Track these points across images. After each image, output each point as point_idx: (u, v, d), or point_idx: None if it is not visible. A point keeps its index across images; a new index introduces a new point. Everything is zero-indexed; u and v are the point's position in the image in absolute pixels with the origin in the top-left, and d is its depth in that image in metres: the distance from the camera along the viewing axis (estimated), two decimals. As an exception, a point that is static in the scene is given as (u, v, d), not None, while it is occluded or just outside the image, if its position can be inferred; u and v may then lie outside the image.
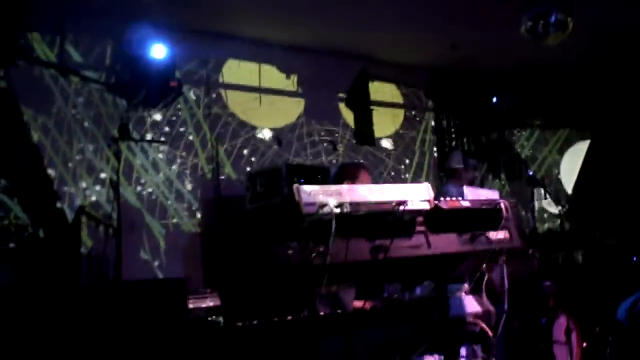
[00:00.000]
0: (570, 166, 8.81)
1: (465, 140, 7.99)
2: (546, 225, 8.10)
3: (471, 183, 5.16)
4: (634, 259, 6.84)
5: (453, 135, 7.93)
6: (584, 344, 4.98)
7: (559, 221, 7.89)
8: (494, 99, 7.81)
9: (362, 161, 6.62)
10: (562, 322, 4.91)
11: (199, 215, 5.88)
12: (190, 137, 5.99)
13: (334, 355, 2.74)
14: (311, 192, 2.47)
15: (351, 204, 2.53)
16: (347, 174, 3.84)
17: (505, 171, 8.28)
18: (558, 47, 5.99)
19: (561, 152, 8.88)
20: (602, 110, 8.80)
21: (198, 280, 5.22)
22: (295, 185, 2.44)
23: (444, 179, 5.24)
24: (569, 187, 8.74)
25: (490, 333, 3.37)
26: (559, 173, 8.76)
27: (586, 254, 6.82)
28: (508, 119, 8.26)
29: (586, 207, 8.33)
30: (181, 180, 5.88)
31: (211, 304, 3.33)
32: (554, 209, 7.99)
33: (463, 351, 3.31)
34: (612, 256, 6.84)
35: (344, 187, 2.59)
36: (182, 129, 5.96)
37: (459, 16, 6.20)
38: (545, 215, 8.18)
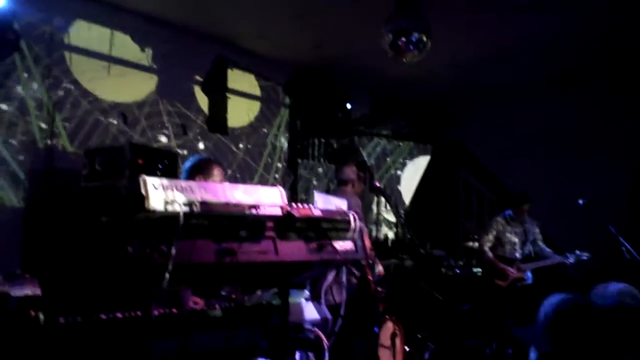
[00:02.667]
0: (410, 178, 9.29)
1: (316, 141, 8.06)
2: (383, 233, 8.45)
3: (362, 193, 5.21)
4: (457, 271, 7.38)
5: (306, 136, 7.97)
6: (407, 348, 5.23)
7: (395, 229, 8.30)
8: (349, 105, 7.99)
9: (212, 157, 6.38)
10: (388, 326, 5.10)
11: (25, 188, 5.28)
12: (24, 99, 5.36)
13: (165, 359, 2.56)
14: (159, 186, 2.26)
15: (202, 203, 2.36)
16: (200, 169, 3.64)
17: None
18: (412, 64, 6.26)
19: (404, 164, 9.34)
20: (444, 130, 9.40)
21: (15, 262, 4.67)
22: (142, 176, 2.21)
23: (333, 187, 5.22)
24: (407, 198, 9.21)
25: (324, 340, 3.37)
26: (399, 184, 9.20)
27: (415, 263, 7.19)
28: (360, 126, 8.52)
29: (420, 219, 8.84)
30: (8, 146, 5.24)
31: (29, 292, 2.94)
32: (392, 218, 8.37)
33: (297, 357, 3.28)
34: (437, 266, 7.31)
35: (195, 185, 2.41)
36: (15, 89, 5.31)
37: (326, 17, 6.24)
38: (384, 223, 8.54)
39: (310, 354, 3.36)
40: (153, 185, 2.24)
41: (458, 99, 8.84)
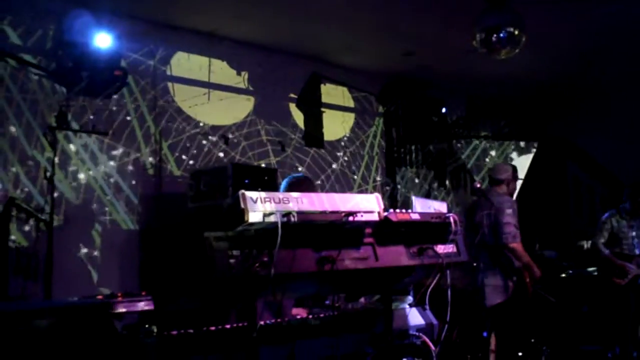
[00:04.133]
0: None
1: (413, 148, 8.01)
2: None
3: (512, 194, 5.17)
4: (570, 272, 7.02)
5: (402, 143, 7.95)
6: (519, 354, 5.05)
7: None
8: (444, 109, 7.88)
9: (306, 175, 6.51)
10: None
11: (138, 212, 5.65)
12: (133, 130, 5.75)
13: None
14: (257, 199, 2.35)
15: (299, 213, 2.42)
16: (293, 187, 3.73)
17: (451, 180, 8.36)
18: (508, 62, 6.09)
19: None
20: (547, 126, 9.03)
21: (133, 281, 5.00)
22: (241, 191, 2.31)
23: (487, 187, 5.23)
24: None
25: (432, 347, 3.33)
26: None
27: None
28: (456, 128, 8.37)
29: (527, 219, 8.49)
30: (121, 175, 5.63)
31: (145, 308, 3.15)
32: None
33: (405, 365, 3.26)
34: (549, 267, 6.98)
35: (292, 195, 2.48)
36: (124, 121, 5.70)
37: (414, 24, 6.21)
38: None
39: (418, 361, 3.33)
40: (251, 198, 2.33)
41: (559, 93, 8.47)
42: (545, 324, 5.99)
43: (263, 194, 2.37)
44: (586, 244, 7.45)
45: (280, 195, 2.42)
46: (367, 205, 2.68)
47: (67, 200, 5.28)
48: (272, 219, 2.34)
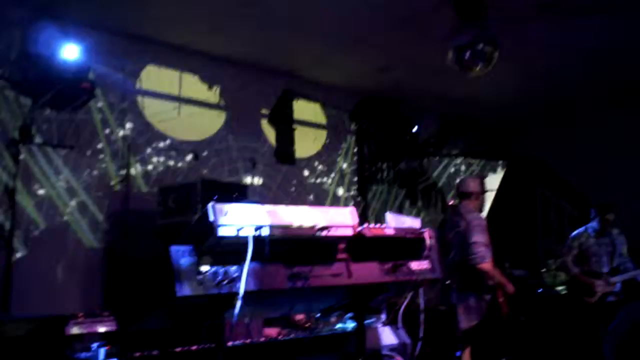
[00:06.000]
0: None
1: (385, 165, 7.99)
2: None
3: (481, 208, 5.06)
4: (539, 290, 7.05)
5: (374, 161, 7.93)
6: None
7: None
8: (415, 128, 7.89)
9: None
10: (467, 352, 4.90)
11: (103, 230, 5.47)
12: (100, 145, 5.60)
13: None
14: (228, 212, 2.26)
15: (271, 227, 2.35)
16: None
17: (422, 199, 8.36)
18: (480, 81, 6.13)
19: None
20: (517, 145, 9.12)
21: (96, 300, 4.82)
22: (210, 203, 2.22)
23: (456, 200, 5.11)
24: (482, 218, 8.93)
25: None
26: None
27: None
28: (427, 147, 8.39)
29: (496, 238, 8.51)
30: (86, 190, 5.46)
31: (107, 329, 3.01)
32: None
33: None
34: (519, 286, 6.99)
35: (264, 208, 2.40)
36: (91, 135, 5.55)
37: (388, 40, 6.21)
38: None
39: (392, 381, 3.25)
40: (222, 211, 2.24)
41: (529, 112, 8.57)
42: (515, 342, 5.97)
43: (234, 206, 2.29)
44: (555, 263, 7.49)
45: (252, 207, 2.34)
46: (342, 219, 2.62)
47: (28, 217, 5.08)
48: (243, 233, 2.26)
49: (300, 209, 2.53)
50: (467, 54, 5.28)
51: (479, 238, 4.64)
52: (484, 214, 5.20)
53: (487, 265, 4.61)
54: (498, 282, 4.71)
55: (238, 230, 2.25)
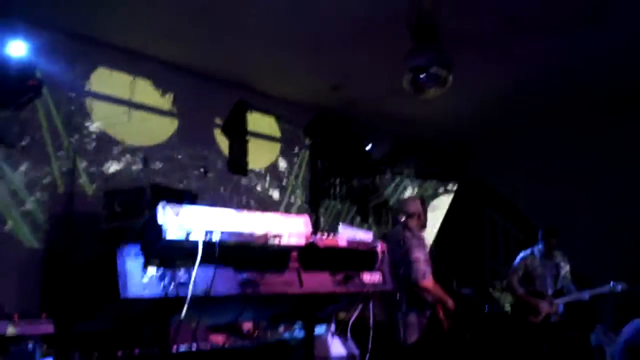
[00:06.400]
0: (433, 217, 9.12)
1: (337, 181, 8.00)
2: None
3: (423, 226, 5.05)
4: (486, 307, 7.15)
5: (327, 176, 7.93)
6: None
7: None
8: (368, 146, 7.93)
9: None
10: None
11: (44, 230, 5.24)
12: (45, 145, 5.38)
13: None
14: (178, 214, 2.19)
15: (222, 232, 2.28)
16: None
17: (373, 215, 8.39)
18: (432, 103, 6.22)
19: (427, 202, 9.19)
20: (466, 168, 9.29)
21: (34, 302, 4.59)
22: (161, 204, 2.14)
23: (400, 219, 5.09)
24: (430, 237, 9.03)
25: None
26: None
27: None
28: (380, 165, 8.45)
29: (445, 258, 8.63)
30: (29, 191, 5.24)
31: (43, 331, 2.86)
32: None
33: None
34: (466, 305, 7.07)
35: (216, 212, 2.33)
36: (36, 135, 5.34)
37: (343, 55, 6.25)
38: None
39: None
40: (172, 212, 2.17)
41: (478, 135, 8.75)
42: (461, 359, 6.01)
43: (185, 209, 2.21)
44: (501, 283, 7.63)
45: (203, 210, 2.27)
46: (295, 228, 2.57)
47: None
48: (193, 236, 2.19)
49: (253, 215, 2.47)
50: (422, 77, 5.34)
51: (420, 255, 4.69)
52: (426, 232, 5.23)
53: (427, 282, 4.65)
54: (438, 298, 4.73)
55: (188, 234, 2.18)
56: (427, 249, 4.86)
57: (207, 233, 2.23)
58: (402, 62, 5.43)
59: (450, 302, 4.75)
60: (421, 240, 4.86)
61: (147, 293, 2.08)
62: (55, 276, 4.84)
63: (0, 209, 5.05)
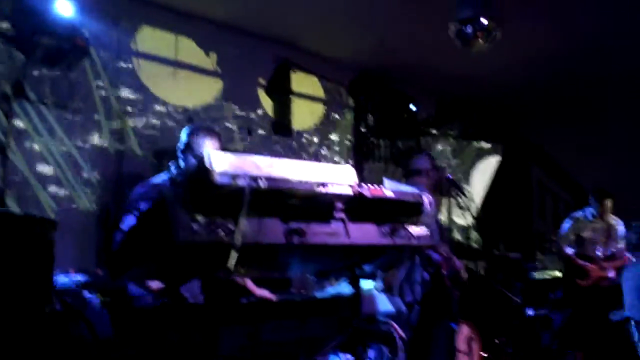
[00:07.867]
0: (480, 179, 8.97)
1: (381, 142, 7.91)
2: (454, 236, 8.16)
3: (436, 186, 4.86)
4: (533, 273, 7.02)
5: (371, 138, 7.84)
6: (484, 354, 4.96)
7: (467, 233, 8.00)
8: (414, 107, 7.79)
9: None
10: (464, 331, 4.85)
11: (96, 192, 5.36)
12: (94, 105, 5.46)
13: (234, 347, 2.46)
14: (225, 160, 2.17)
15: (268, 179, 2.25)
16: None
17: (418, 177, 8.27)
18: (480, 61, 6.03)
19: (473, 164, 9.03)
20: (514, 128, 9.05)
21: (90, 262, 4.73)
22: (207, 150, 2.12)
23: (403, 180, 4.93)
24: (477, 200, 8.89)
25: (400, 334, 3.19)
26: (468, 185, 8.89)
27: (489, 266, 6.89)
28: (425, 127, 8.30)
29: (492, 221, 8.50)
30: (80, 152, 5.34)
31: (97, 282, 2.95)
32: (462, 221, 8.05)
33: (371, 353, 3.11)
34: (513, 269, 6.96)
35: (262, 160, 2.30)
36: (86, 95, 5.42)
37: (389, 14, 6.11)
38: (453, 227, 8.25)
39: (384, 348, 3.19)
40: (219, 159, 2.15)
41: (529, 96, 8.48)
42: (509, 324, 5.94)
43: (232, 156, 2.19)
44: (550, 246, 7.46)
45: (249, 157, 2.24)
46: (341, 178, 2.53)
47: (20, 174, 4.97)
48: (239, 182, 2.17)
49: (299, 163, 2.43)
50: (468, 29, 5.19)
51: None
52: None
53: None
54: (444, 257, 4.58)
55: (234, 179, 2.16)
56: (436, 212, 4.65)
57: (253, 178, 2.21)
58: (449, 17, 5.30)
59: (458, 263, 4.62)
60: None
61: (197, 239, 2.08)
62: (108, 236, 4.96)
63: (54, 169, 5.16)
